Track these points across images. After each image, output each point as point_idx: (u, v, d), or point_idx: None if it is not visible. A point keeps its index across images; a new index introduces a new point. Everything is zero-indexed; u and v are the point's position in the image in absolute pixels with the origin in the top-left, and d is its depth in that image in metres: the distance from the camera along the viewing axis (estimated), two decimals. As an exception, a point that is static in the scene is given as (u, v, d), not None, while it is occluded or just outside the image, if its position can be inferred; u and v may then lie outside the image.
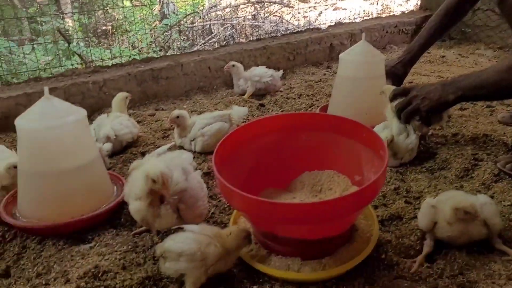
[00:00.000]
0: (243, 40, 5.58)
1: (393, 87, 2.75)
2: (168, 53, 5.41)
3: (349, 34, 5.20)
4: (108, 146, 2.74)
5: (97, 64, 4.32)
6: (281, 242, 1.78)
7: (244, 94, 3.94)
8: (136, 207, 1.87)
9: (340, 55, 3.07)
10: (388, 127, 2.65)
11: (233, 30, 6.74)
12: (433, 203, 1.90)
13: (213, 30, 6.94)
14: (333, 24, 5.70)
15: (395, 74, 3.20)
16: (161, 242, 1.75)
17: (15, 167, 2.20)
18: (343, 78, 3.04)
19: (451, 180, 2.41)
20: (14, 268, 1.89)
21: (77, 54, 5.56)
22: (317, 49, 4.99)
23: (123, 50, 5.41)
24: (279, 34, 5.34)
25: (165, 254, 1.69)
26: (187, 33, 7.04)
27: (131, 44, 6.68)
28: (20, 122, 2.02)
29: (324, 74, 4.58)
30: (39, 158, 2.04)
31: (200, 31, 6.96)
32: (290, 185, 2.16)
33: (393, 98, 2.65)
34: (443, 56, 5.18)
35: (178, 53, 4.72)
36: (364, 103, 2.92)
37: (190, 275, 1.65)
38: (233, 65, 3.95)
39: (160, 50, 6.50)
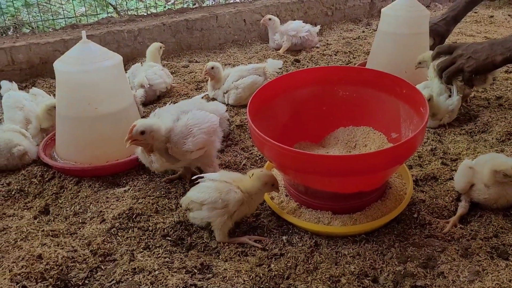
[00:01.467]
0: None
1: (429, 53, 2.61)
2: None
3: (392, -10, 4.96)
4: (140, 92, 2.76)
5: (132, 13, 4.30)
6: (313, 195, 1.77)
7: (279, 49, 3.86)
8: (137, 153, 1.98)
9: (382, 9, 2.93)
10: (429, 87, 2.55)
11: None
12: (471, 164, 1.84)
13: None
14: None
15: (438, 32, 3.05)
16: (184, 196, 1.78)
17: (55, 107, 2.25)
18: (384, 34, 2.91)
19: (492, 144, 2.32)
20: (53, 206, 1.96)
21: (111, 5, 5.54)
22: (357, 5, 4.79)
23: (156, 3, 5.35)
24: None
25: (189, 205, 1.73)
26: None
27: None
28: (58, 64, 2.05)
29: (363, 31, 4.41)
30: (77, 102, 2.07)
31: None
32: (324, 140, 2.13)
33: (436, 56, 2.53)
34: (492, 16, 4.89)
35: (213, 4, 4.63)
36: (405, 60, 2.80)
37: (215, 222, 1.68)
38: (270, 19, 3.85)
39: (194, 4, 6.40)
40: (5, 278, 1.52)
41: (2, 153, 2.14)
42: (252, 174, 1.72)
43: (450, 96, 2.50)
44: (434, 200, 1.90)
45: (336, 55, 3.74)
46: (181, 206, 1.84)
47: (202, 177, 1.76)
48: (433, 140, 2.40)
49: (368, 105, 2.04)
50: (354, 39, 4.15)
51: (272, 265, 1.59)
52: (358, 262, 1.59)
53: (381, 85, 1.99)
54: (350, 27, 4.57)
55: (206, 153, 1.98)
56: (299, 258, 1.61)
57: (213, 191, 1.66)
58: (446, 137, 2.43)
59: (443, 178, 2.05)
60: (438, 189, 1.97)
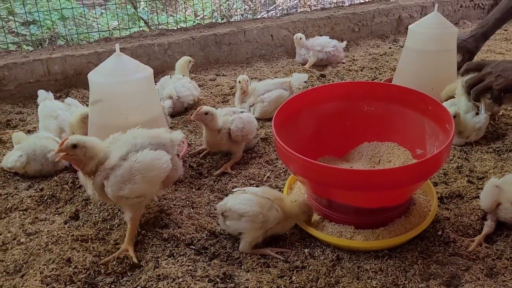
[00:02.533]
0: (308, 9, 5.47)
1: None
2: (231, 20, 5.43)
3: (420, 6, 4.95)
4: (168, 102, 2.83)
5: (163, 27, 4.42)
6: (336, 209, 1.78)
7: (305, 64, 3.90)
8: (79, 173, 1.79)
9: (409, 26, 2.94)
10: (456, 104, 2.53)
11: (296, 0, 6.61)
12: (498, 183, 1.81)
13: (276, 0, 6.84)
14: (403, -5, 5.44)
15: (466, 48, 3.03)
16: (222, 201, 1.81)
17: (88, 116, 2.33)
18: (411, 50, 2.92)
19: (520, 163, 2.29)
20: (83, 212, 2.03)
21: (143, 19, 5.71)
22: (384, 21, 4.80)
23: (186, 17, 5.49)
24: (345, 4, 5.18)
25: (226, 213, 1.75)
26: (249, 2, 7.00)
27: (194, 12, 6.75)
28: (92, 75, 2.13)
29: (390, 48, 4.41)
30: (109, 112, 2.15)
31: (263, 0, 6.89)
32: (348, 155, 2.14)
33: (464, 72, 2.51)
34: (522, 34, 4.82)
35: (241, 20, 4.72)
36: (431, 77, 2.80)
37: (249, 234, 1.71)
38: (300, 38, 3.89)
39: (222, 19, 6.53)
40: (36, 280, 1.58)
41: (37, 158, 2.23)
42: (295, 201, 1.76)
43: (477, 113, 2.47)
44: (459, 218, 1.88)
45: (362, 71, 3.75)
46: (210, 213, 1.88)
47: (242, 189, 1.81)
48: (459, 157, 2.37)
49: (393, 121, 2.05)
50: (381, 55, 4.15)
51: (294, 277, 1.60)
52: (380, 277, 1.58)
53: (406, 101, 1.99)
54: (376, 43, 4.58)
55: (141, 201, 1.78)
56: (320, 271, 1.62)
57: (255, 206, 1.70)
58: (472, 155, 2.40)
59: (468, 196, 2.03)
60: (463, 207, 1.95)
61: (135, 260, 1.66)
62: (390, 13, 4.81)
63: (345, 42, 4.04)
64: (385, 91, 2.05)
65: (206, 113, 2.26)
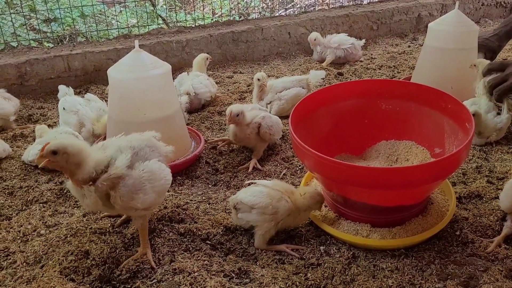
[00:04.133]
0: (326, 8, 5.44)
1: (488, 61, 2.56)
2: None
3: (441, 4, 4.88)
4: (185, 98, 2.85)
5: (181, 25, 4.45)
6: (352, 207, 1.78)
7: (322, 62, 3.88)
8: (68, 184, 1.67)
9: (429, 24, 2.90)
10: (476, 104, 2.49)
11: (314, -1, 6.58)
12: (519, 184, 1.78)
13: (293, -1, 6.81)
14: (423, -7, 5.37)
15: (489, 47, 2.98)
16: (234, 195, 1.83)
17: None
18: (431, 49, 2.88)
19: (542, 164, 2.24)
20: (100, 206, 2.06)
21: (161, 17, 5.75)
22: (403, 20, 4.75)
23: (204, 15, 5.51)
24: (363, 2, 5.14)
25: (238, 205, 1.76)
26: (267, 0, 6.98)
27: (211, 11, 6.78)
28: (112, 71, 2.16)
29: (409, 46, 4.36)
30: (127, 107, 2.18)
31: (280, -1, 6.87)
32: (365, 153, 2.13)
33: (487, 72, 2.47)
34: (546, 33, 4.71)
35: (259, 17, 4.72)
36: (451, 76, 2.76)
37: (261, 227, 1.72)
38: (315, 39, 3.87)
39: (240, 17, 6.54)
40: (55, 271, 1.61)
41: (57, 153, 2.26)
42: (305, 193, 1.76)
43: (498, 113, 2.43)
44: (478, 218, 1.86)
45: (380, 69, 3.72)
46: (226, 208, 1.89)
47: (254, 182, 1.82)
48: (478, 157, 2.34)
49: (411, 119, 2.03)
50: (399, 54, 4.11)
51: (309, 274, 1.60)
52: (396, 276, 1.57)
53: (425, 99, 1.97)
54: (395, 42, 4.53)
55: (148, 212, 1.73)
56: (336, 269, 1.62)
57: (265, 197, 1.71)
58: (492, 155, 2.36)
59: (488, 196, 2.00)
60: (482, 208, 1.92)
61: (153, 264, 1.66)
62: (409, 11, 4.75)
63: (363, 40, 4.01)
64: (403, 89, 2.03)
65: (237, 115, 2.27)
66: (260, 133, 2.34)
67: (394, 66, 3.78)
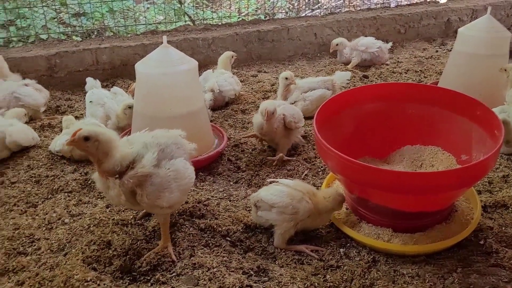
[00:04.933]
0: (353, 9, 5.40)
1: None
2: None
3: (471, 10, 4.79)
4: (209, 95, 2.87)
5: (208, 22, 4.48)
6: (374, 211, 1.76)
7: (348, 64, 3.85)
8: (94, 176, 1.68)
9: (459, 29, 2.85)
10: (506, 111, 2.43)
11: (341, 0, 6.52)
12: (548, 195, 1.74)
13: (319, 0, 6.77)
14: (453, -3, 5.28)
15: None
16: (255, 193, 1.83)
17: (130, 107, 2.41)
18: (460, 54, 2.83)
19: None
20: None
21: (187, 14, 5.80)
22: (432, 24, 4.67)
23: (230, 13, 5.53)
24: (391, 5, 5.08)
25: (258, 203, 1.77)
26: (293, 1, 6.96)
27: (237, 9, 6.80)
28: (139, 66, 2.19)
29: (437, 51, 4.29)
30: (153, 102, 2.21)
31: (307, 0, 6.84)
32: (389, 157, 2.10)
33: (519, 80, 2.42)
34: None
35: (285, 17, 4.71)
36: (480, 83, 2.70)
37: (280, 226, 1.72)
38: (337, 44, 3.84)
39: (265, 17, 6.54)
40: (78, 259, 1.64)
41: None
42: (329, 197, 1.75)
43: (528, 122, 2.37)
44: (503, 228, 1.82)
45: (406, 73, 3.67)
46: (247, 206, 1.90)
47: (276, 181, 1.83)
48: (506, 166, 2.29)
49: (437, 124, 2.00)
50: (427, 58, 4.04)
51: (328, 276, 1.59)
52: (417, 283, 1.55)
53: (453, 105, 1.94)
54: (423, 46, 4.46)
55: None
56: (355, 272, 1.61)
57: (286, 197, 1.71)
58: (521, 164, 2.31)
59: (514, 206, 1.95)
60: (508, 218, 1.88)
61: (174, 258, 1.68)
62: (438, 16, 4.67)
63: (390, 44, 3.97)
64: (431, 94, 2.00)
65: (273, 112, 2.26)
66: (286, 123, 2.33)
67: (420, 70, 3.73)
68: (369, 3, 5.20)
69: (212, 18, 4.76)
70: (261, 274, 1.63)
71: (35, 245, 1.75)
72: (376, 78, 3.58)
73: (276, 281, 1.58)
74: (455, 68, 2.87)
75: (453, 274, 1.58)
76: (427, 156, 2.00)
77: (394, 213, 1.71)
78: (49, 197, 2.08)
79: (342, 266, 1.64)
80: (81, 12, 4.80)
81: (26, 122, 2.64)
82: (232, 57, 3.33)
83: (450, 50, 3.04)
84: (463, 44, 2.82)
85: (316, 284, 1.55)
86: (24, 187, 2.14)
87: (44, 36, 4.09)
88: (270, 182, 1.85)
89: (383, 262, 1.66)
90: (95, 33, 4.56)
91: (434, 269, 1.61)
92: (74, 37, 4.42)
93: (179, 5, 6.13)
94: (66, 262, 1.63)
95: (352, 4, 6.53)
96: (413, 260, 1.66)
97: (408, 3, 5.09)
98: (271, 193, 1.74)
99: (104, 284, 1.55)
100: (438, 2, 4.97)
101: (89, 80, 2.86)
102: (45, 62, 3.34)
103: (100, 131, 1.56)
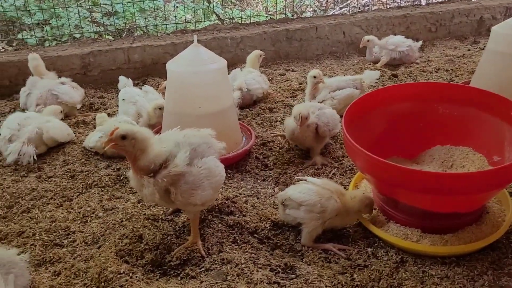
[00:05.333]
0: (382, 7, 5.34)
1: None
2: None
3: (505, 7, 4.66)
4: (237, 94, 2.90)
5: (236, 21, 4.52)
6: (403, 211, 1.75)
7: (377, 63, 3.82)
8: (128, 174, 1.73)
9: (493, 27, 2.79)
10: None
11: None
12: None
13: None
14: (486, -5, 5.15)
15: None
16: (283, 191, 1.85)
17: (161, 108, 2.47)
18: (493, 53, 2.76)
19: None
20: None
21: (215, 14, 5.86)
22: (464, 22, 4.58)
23: (258, 12, 5.55)
24: (421, 3, 5.00)
25: (286, 201, 1.79)
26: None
27: (265, 8, 6.82)
28: (171, 65, 2.24)
29: (469, 50, 4.20)
30: (184, 100, 2.25)
31: (336, -3, 6.80)
32: (418, 157, 2.09)
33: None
34: None
35: (313, 16, 4.70)
36: (514, 83, 2.64)
37: (307, 224, 1.73)
38: (368, 40, 3.81)
39: (293, 15, 6.54)
40: (111, 252, 1.70)
41: (115, 140, 2.38)
42: (355, 197, 1.76)
43: None
44: (537, 231, 1.78)
45: (436, 72, 3.61)
46: (274, 204, 1.92)
47: (304, 179, 1.84)
48: (540, 168, 2.23)
49: (469, 124, 1.97)
50: (458, 57, 3.97)
51: (355, 275, 1.60)
52: (446, 284, 1.54)
53: (485, 105, 1.91)
54: (454, 45, 4.37)
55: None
56: (383, 272, 1.61)
57: (314, 195, 1.72)
58: (556, 166, 2.24)
59: (549, 209, 1.91)
60: (542, 221, 1.84)
61: (203, 253, 1.71)
62: (471, 14, 4.58)
63: (420, 42, 3.91)
64: (464, 94, 1.97)
65: (307, 117, 2.23)
66: (319, 132, 2.31)
67: (451, 69, 3.66)
68: (399, 0, 5.14)
69: (241, 17, 4.80)
70: (288, 271, 1.65)
71: (70, 238, 1.82)
72: (405, 77, 3.54)
73: (303, 278, 1.59)
74: (488, 67, 2.80)
75: (484, 277, 1.57)
76: (457, 157, 1.97)
77: (423, 213, 1.70)
78: (83, 191, 2.16)
79: (369, 266, 1.64)
80: (112, 11, 4.93)
81: (61, 119, 2.73)
82: (260, 56, 3.36)
83: (483, 49, 2.98)
84: (496, 42, 2.76)
85: (343, 283, 1.56)
86: (60, 182, 2.22)
87: (77, 35, 4.22)
88: (298, 181, 1.87)
89: (412, 263, 1.65)
90: (126, 32, 4.67)
91: (464, 271, 1.59)
92: (105, 36, 4.54)
93: (207, 4, 6.20)
94: (100, 254, 1.70)
95: (381, 2, 6.45)
96: (442, 261, 1.65)
97: (440, 0, 5.00)
98: (300, 191, 1.76)
99: (136, 277, 1.60)
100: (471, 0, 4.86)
101: (122, 78, 2.94)
102: (79, 60, 3.45)
103: (137, 129, 1.61)
